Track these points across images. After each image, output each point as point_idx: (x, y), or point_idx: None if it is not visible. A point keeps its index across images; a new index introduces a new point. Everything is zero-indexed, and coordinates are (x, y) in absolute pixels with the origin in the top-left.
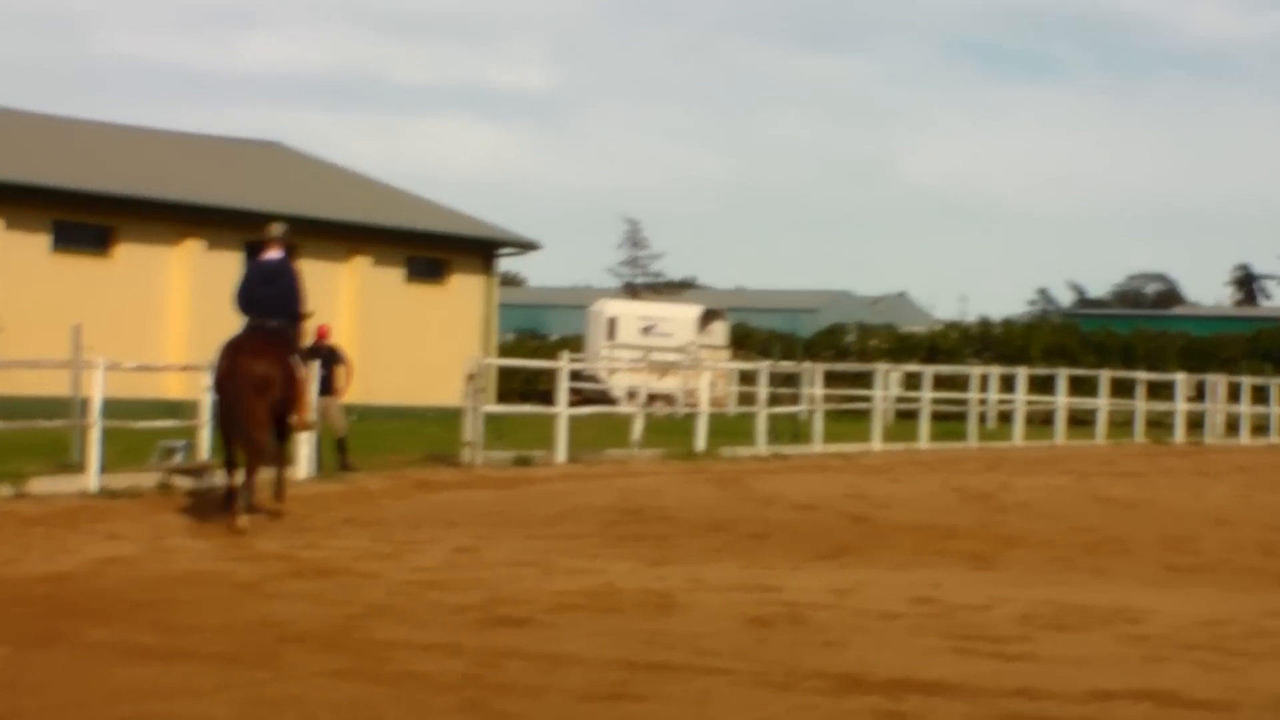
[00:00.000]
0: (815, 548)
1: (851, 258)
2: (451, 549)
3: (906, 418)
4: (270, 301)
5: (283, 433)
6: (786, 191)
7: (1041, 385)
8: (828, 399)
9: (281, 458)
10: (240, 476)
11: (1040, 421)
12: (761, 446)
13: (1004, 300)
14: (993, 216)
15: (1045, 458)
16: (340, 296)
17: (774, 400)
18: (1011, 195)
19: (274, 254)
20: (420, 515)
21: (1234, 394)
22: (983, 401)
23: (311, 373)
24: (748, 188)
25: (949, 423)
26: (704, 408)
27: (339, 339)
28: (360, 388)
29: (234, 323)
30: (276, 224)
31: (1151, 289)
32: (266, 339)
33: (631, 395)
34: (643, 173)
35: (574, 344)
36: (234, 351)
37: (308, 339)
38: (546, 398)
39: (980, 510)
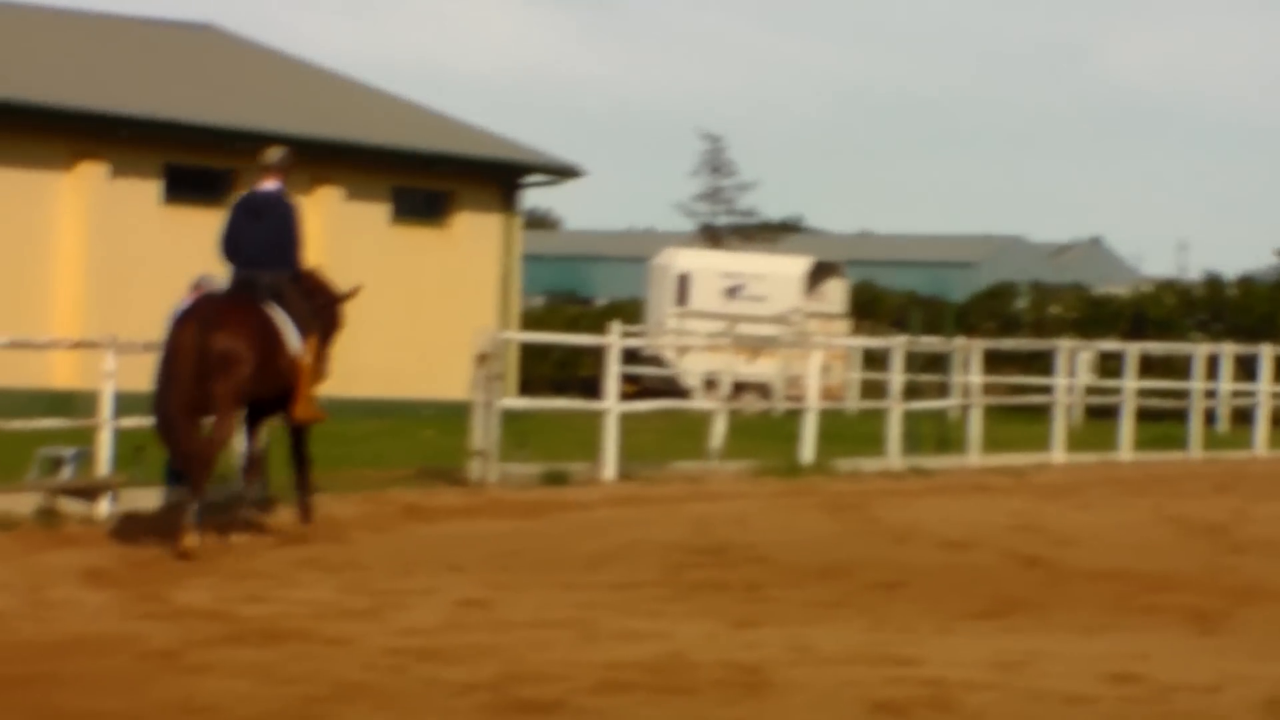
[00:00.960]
0: (970, 603)
1: (1023, 191)
2: (453, 603)
3: (1101, 416)
4: (260, 245)
5: (294, 436)
6: (930, 98)
7: None
8: (989, 390)
9: (307, 466)
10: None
11: None
12: (894, 458)
13: (1240, 251)
14: (1224, 133)
15: None
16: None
17: (913, 392)
18: (1252, 104)
19: (269, 185)
20: (410, 555)
21: None
22: (1210, 394)
23: (314, 343)
24: (875, 93)
25: (1162, 424)
26: (813, 402)
27: None
28: (330, 373)
29: (147, 285)
30: (274, 149)
31: None
32: (238, 300)
33: (710, 385)
34: (728, 72)
35: (629, 311)
36: (187, 317)
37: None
38: (590, 388)
39: (1205, 550)
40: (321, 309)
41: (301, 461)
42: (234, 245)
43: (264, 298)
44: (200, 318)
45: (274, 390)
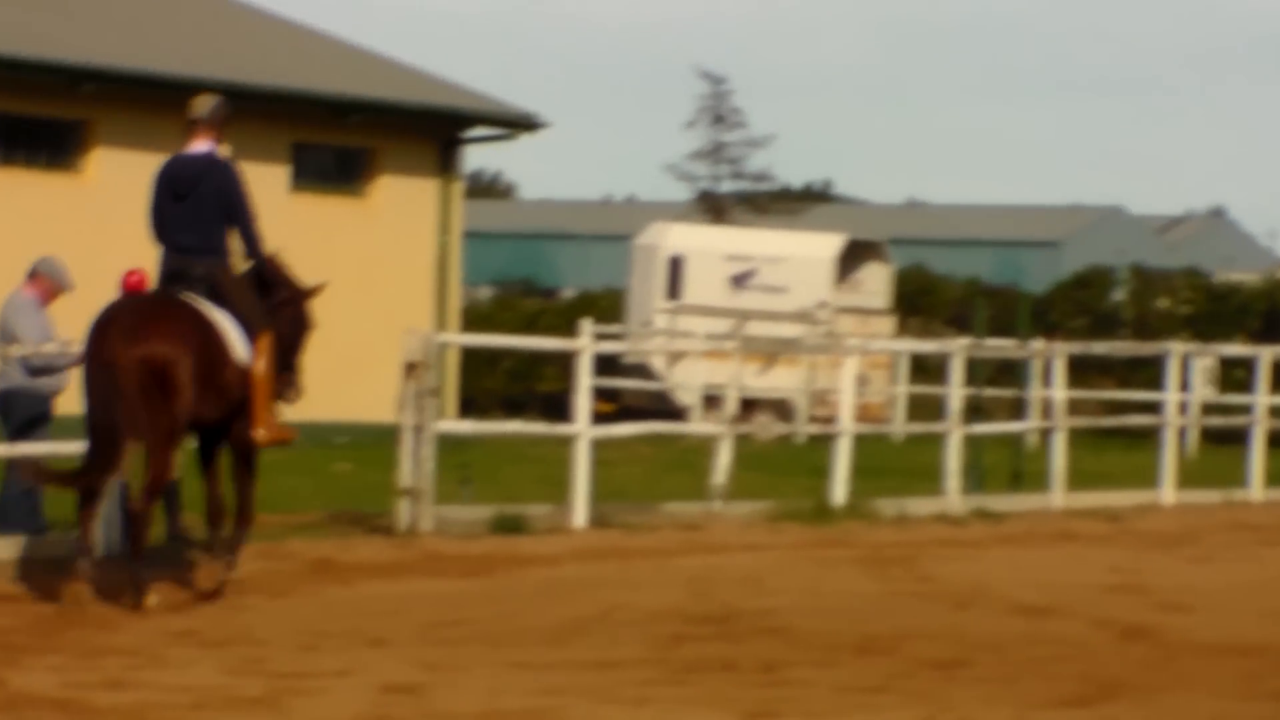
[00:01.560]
0: (1053, 686)
1: (1123, 150)
2: (375, 688)
3: (1224, 442)
4: (189, 224)
5: (240, 460)
6: (998, 26)
7: None
8: (1077, 409)
9: (250, 500)
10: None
11: None
12: (954, 497)
13: None
14: None
15: None
16: None
17: (978, 412)
18: None
19: (199, 147)
20: (319, 625)
21: None
22: None
23: (267, 345)
24: (925, 19)
25: None
26: (847, 425)
27: None
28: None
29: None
30: (203, 98)
31: None
32: (165, 300)
33: (711, 402)
34: None
35: (605, 306)
36: (104, 324)
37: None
38: (555, 406)
39: None
40: (282, 305)
41: (244, 492)
42: (159, 225)
43: (198, 292)
44: (120, 326)
45: (218, 410)
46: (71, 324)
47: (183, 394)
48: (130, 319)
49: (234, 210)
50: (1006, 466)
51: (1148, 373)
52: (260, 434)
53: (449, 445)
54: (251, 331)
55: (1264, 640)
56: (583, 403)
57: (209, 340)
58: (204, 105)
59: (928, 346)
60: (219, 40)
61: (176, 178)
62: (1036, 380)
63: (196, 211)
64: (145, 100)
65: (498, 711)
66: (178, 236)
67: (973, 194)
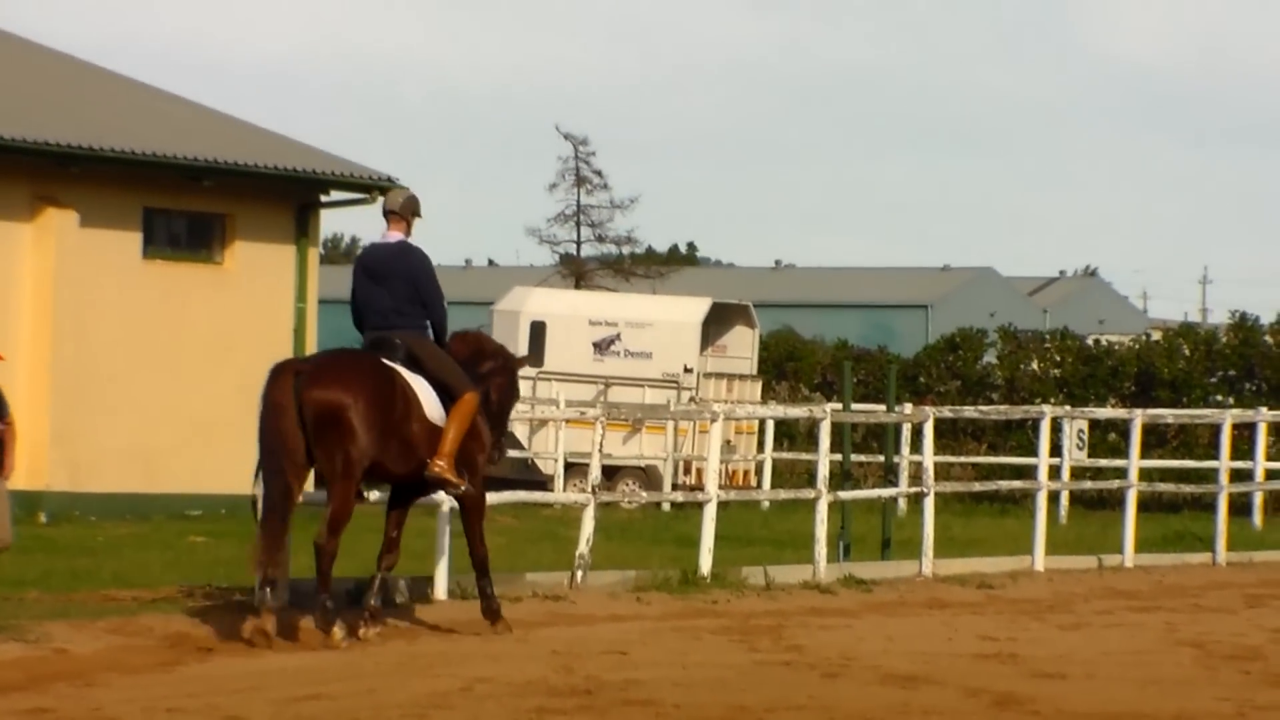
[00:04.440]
0: None
1: (993, 209)
2: None
3: (1098, 507)
4: (387, 308)
5: (465, 511)
6: (867, 79)
7: None
8: (947, 474)
9: (480, 547)
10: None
11: None
12: (822, 565)
13: (1278, 286)
14: (1260, 130)
15: None
16: (17, 284)
17: (845, 477)
18: None
19: (393, 235)
20: (173, 701)
21: None
22: (1242, 476)
23: (468, 403)
24: (791, 74)
25: (1178, 516)
26: (713, 492)
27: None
28: (57, 462)
29: None
30: (396, 191)
31: None
32: (356, 354)
33: (574, 470)
34: (593, 49)
35: None
36: (282, 368)
37: None
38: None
39: (1234, 684)
40: (493, 374)
41: (470, 538)
42: (359, 307)
43: (395, 359)
44: (298, 370)
45: (404, 464)
46: None
47: (357, 437)
48: (312, 366)
49: (425, 292)
50: (876, 533)
51: (1019, 437)
52: (435, 466)
53: (306, 516)
54: (453, 394)
55: (1137, 709)
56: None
57: (392, 393)
58: (397, 199)
59: (795, 412)
60: (68, 101)
61: (373, 263)
62: (906, 445)
63: (392, 291)
64: None
65: None
66: (376, 315)
67: (841, 256)
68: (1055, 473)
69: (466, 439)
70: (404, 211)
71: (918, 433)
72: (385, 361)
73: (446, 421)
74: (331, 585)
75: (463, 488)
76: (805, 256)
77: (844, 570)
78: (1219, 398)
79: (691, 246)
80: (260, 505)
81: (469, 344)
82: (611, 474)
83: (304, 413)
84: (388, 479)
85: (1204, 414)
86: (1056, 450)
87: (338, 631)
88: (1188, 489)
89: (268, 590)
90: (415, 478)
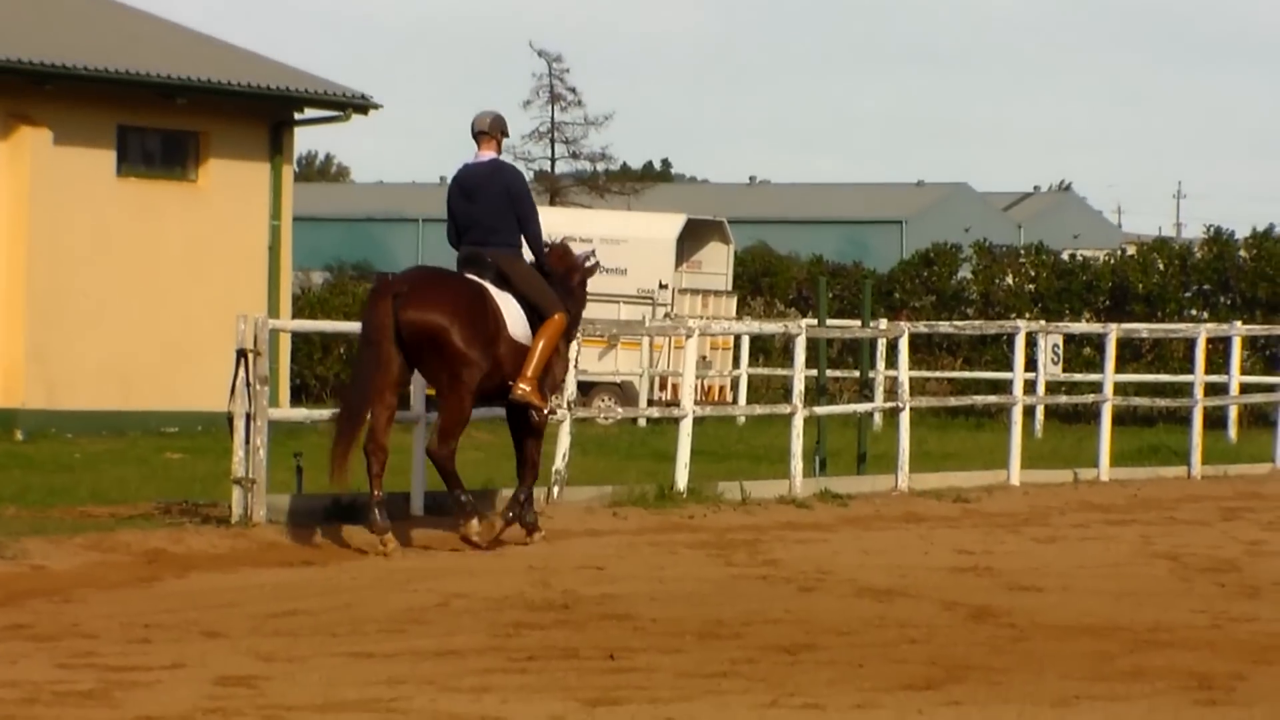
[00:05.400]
0: (900, 670)
1: (967, 124)
2: (210, 681)
3: (1073, 421)
4: (477, 220)
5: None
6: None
7: None
8: (923, 389)
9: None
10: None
11: None
12: (798, 480)
13: (1253, 204)
14: (1232, 46)
15: None
16: None
17: (821, 392)
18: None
19: (483, 155)
20: (151, 617)
21: None
22: (1216, 390)
23: (555, 324)
24: None
25: (1153, 430)
26: (688, 408)
27: None
28: (33, 379)
29: None
30: (484, 113)
31: None
32: (444, 273)
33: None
34: None
35: None
36: (382, 290)
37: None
38: None
39: (1209, 595)
40: (580, 287)
41: (521, 451)
42: (456, 230)
43: (486, 278)
44: (396, 291)
45: (493, 381)
46: None
47: (459, 352)
48: (409, 288)
49: (520, 207)
50: (852, 448)
51: (994, 351)
52: (519, 390)
53: (282, 433)
54: (542, 314)
55: (1113, 620)
56: (419, 389)
57: (484, 310)
58: (485, 119)
59: (770, 327)
60: (41, 19)
61: (467, 182)
62: (881, 360)
63: (487, 209)
64: None
65: (335, 703)
66: (470, 232)
67: (816, 173)
68: (1030, 387)
69: (551, 359)
70: (493, 130)
71: (893, 348)
72: (474, 279)
73: (533, 341)
74: (460, 482)
75: (545, 411)
76: (780, 173)
77: (820, 485)
78: (1194, 312)
79: (666, 163)
80: (339, 415)
81: (562, 258)
82: (587, 389)
83: (402, 334)
84: (485, 396)
85: (1179, 328)
86: (1031, 365)
87: (474, 524)
88: (1162, 403)
89: (375, 511)
90: (499, 395)
